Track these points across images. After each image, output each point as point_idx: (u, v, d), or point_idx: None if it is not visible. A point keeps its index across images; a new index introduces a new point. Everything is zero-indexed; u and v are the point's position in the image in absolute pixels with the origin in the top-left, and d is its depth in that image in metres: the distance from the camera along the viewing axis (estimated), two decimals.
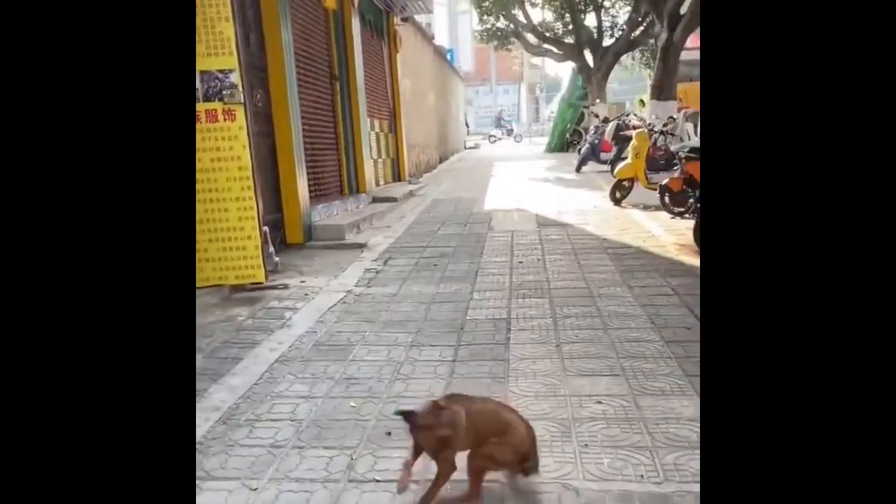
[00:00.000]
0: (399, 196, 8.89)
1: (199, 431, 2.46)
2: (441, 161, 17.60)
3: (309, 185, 6.53)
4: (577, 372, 2.84)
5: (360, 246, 5.87)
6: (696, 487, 1.91)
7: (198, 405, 2.69)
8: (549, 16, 22.48)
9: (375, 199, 8.51)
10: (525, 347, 3.17)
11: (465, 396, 1.97)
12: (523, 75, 45.32)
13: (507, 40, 23.12)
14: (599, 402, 2.52)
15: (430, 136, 16.48)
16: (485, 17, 22.89)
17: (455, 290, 4.30)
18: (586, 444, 2.22)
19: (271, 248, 4.95)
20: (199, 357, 3.29)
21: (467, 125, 31.19)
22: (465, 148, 25.18)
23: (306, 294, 4.40)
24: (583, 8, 20.98)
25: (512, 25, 22.30)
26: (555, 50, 22.01)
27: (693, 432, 2.25)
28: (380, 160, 10.36)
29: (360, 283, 4.62)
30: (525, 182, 11.00)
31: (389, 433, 2.38)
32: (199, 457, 2.27)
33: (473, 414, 1.89)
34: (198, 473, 2.16)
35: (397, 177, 11.47)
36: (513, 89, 45.06)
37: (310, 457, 2.24)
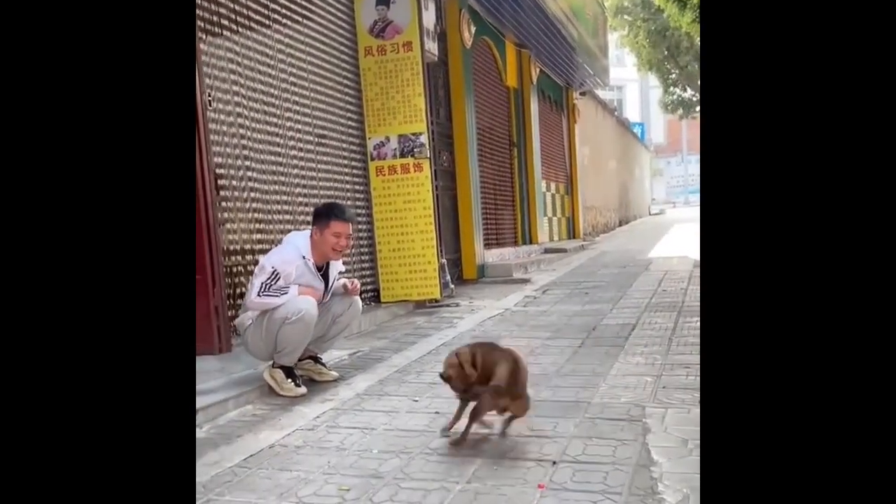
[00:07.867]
0: (570, 248, 9.66)
1: (380, 376, 3.44)
2: (621, 224, 18.01)
3: (485, 233, 7.60)
4: (676, 352, 3.41)
5: (525, 281, 6.73)
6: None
7: (380, 364, 3.70)
8: None
9: (547, 251, 9.36)
10: (642, 339, 3.78)
11: (484, 344, 2.44)
12: None
13: (693, 109, 23.23)
14: (687, 368, 3.09)
15: (610, 200, 17.06)
16: (671, 88, 23.36)
17: (597, 308, 4.97)
18: (664, 387, 2.82)
19: (447, 277, 5.99)
20: (385, 341, 4.35)
21: None
22: (650, 214, 25.16)
23: (472, 310, 5.34)
24: None
25: (697, 95, 22.42)
26: None
27: None
28: (555, 218, 11.25)
29: (517, 304, 5.46)
30: (696, 238, 11.15)
31: None
32: (379, 385, 3.24)
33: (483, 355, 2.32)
34: (378, 393, 3.12)
35: (572, 234, 12.25)
36: None
37: None
